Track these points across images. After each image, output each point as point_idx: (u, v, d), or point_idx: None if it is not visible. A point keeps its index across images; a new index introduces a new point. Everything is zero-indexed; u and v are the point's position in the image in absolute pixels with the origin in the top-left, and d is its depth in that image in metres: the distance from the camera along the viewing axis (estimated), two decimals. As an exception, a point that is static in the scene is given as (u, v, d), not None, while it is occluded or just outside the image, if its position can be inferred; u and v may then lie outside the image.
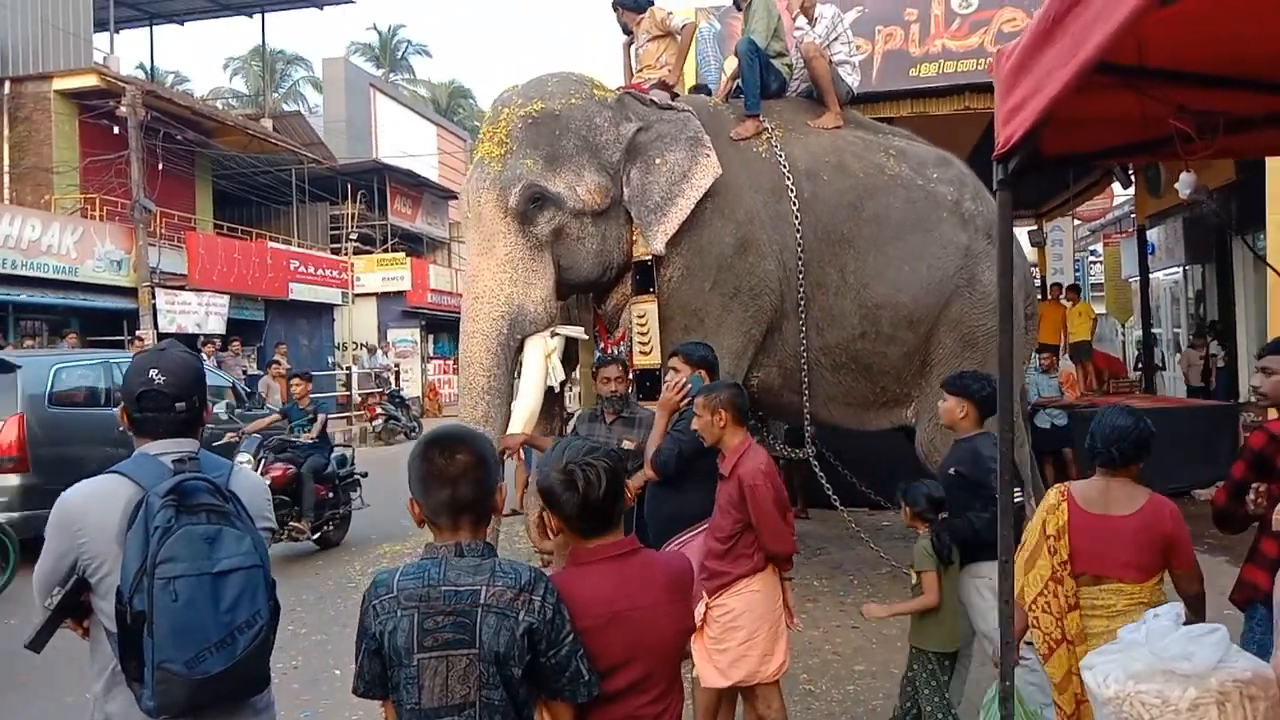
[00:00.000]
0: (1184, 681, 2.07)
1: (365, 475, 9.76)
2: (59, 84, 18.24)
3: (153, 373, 2.26)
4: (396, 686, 1.88)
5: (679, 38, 6.50)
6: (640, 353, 5.57)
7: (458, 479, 1.94)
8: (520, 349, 5.41)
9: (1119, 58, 1.70)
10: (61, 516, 2.15)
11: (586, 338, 6.09)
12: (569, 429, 5.47)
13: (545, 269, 5.43)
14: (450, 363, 28.66)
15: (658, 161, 5.60)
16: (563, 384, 5.93)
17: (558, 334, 5.59)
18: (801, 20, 6.57)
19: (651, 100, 5.91)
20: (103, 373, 9.19)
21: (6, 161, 18.09)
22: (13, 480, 7.82)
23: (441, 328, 30.15)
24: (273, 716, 2.29)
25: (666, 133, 5.69)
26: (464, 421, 5.13)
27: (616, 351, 5.79)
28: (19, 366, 8.32)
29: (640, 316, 5.63)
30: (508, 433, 5.22)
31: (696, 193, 5.52)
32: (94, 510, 2.13)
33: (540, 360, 5.42)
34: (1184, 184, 2.60)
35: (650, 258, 5.62)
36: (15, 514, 7.56)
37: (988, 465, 3.77)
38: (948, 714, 3.78)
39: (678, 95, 6.31)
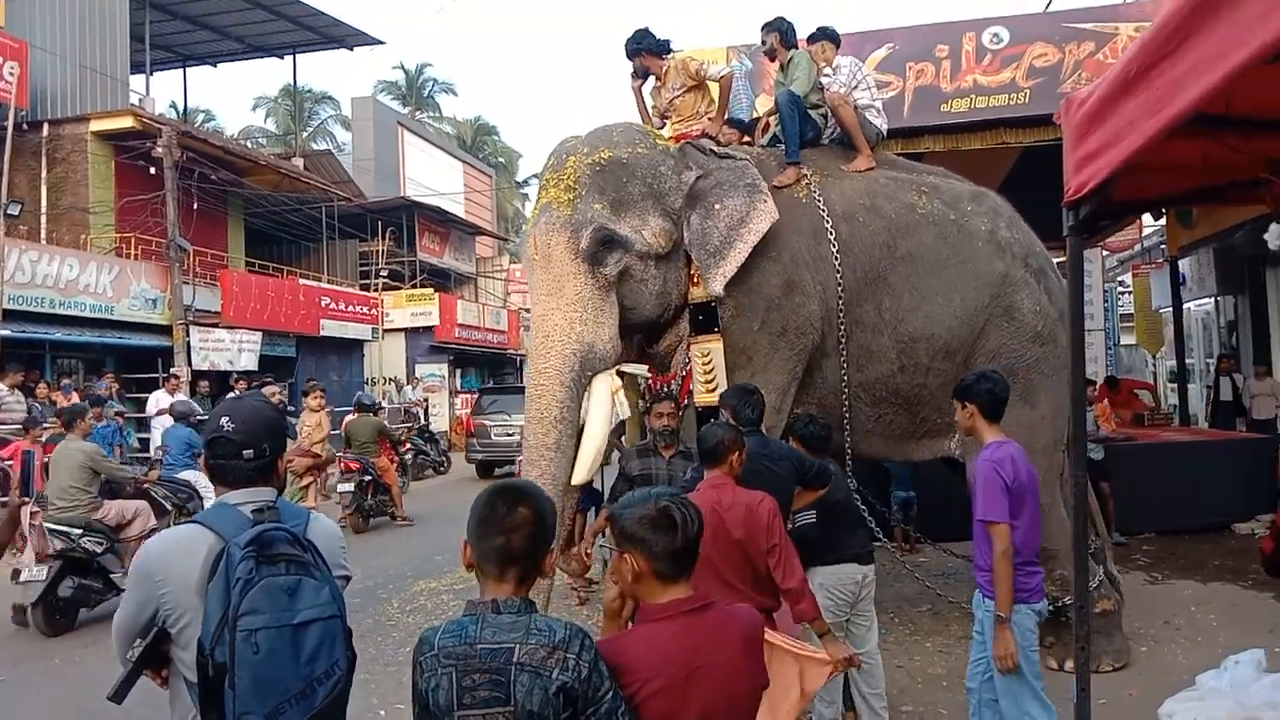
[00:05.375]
0: (1269, 732, 2.04)
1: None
2: (96, 126, 18.55)
3: (223, 420, 2.30)
4: None
5: (714, 86, 6.58)
6: (705, 390, 5.62)
7: (514, 530, 1.97)
8: (587, 387, 5.48)
9: (1207, 107, 1.70)
10: (143, 567, 2.18)
11: (649, 375, 6.19)
12: (616, 463, 5.61)
13: (612, 309, 5.54)
14: (477, 396, 28.73)
15: (717, 207, 5.70)
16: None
17: (623, 372, 5.72)
18: (827, 70, 6.64)
19: (711, 149, 6.02)
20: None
21: (44, 202, 18.37)
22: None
23: (469, 362, 30.27)
24: None
25: (725, 180, 5.80)
26: (534, 448, 5.25)
27: (666, 389, 5.90)
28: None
29: (705, 355, 5.70)
30: (575, 477, 5.33)
31: (754, 237, 5.61)
32: (175, 561, 2.15)
33: (607, 397, 5.52)
34: (1275, 235, 2.60)
35: (715, 298, 5.70)
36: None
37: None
38: None
39: (723, 145, 6.38)
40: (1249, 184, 2.10)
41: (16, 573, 7.49)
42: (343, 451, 12.81)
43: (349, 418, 13.39)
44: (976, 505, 3.84)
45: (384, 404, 17.98)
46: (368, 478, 12.31)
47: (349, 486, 12.10)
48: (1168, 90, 1.63)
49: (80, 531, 7.47)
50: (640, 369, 6.04)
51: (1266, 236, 2.55)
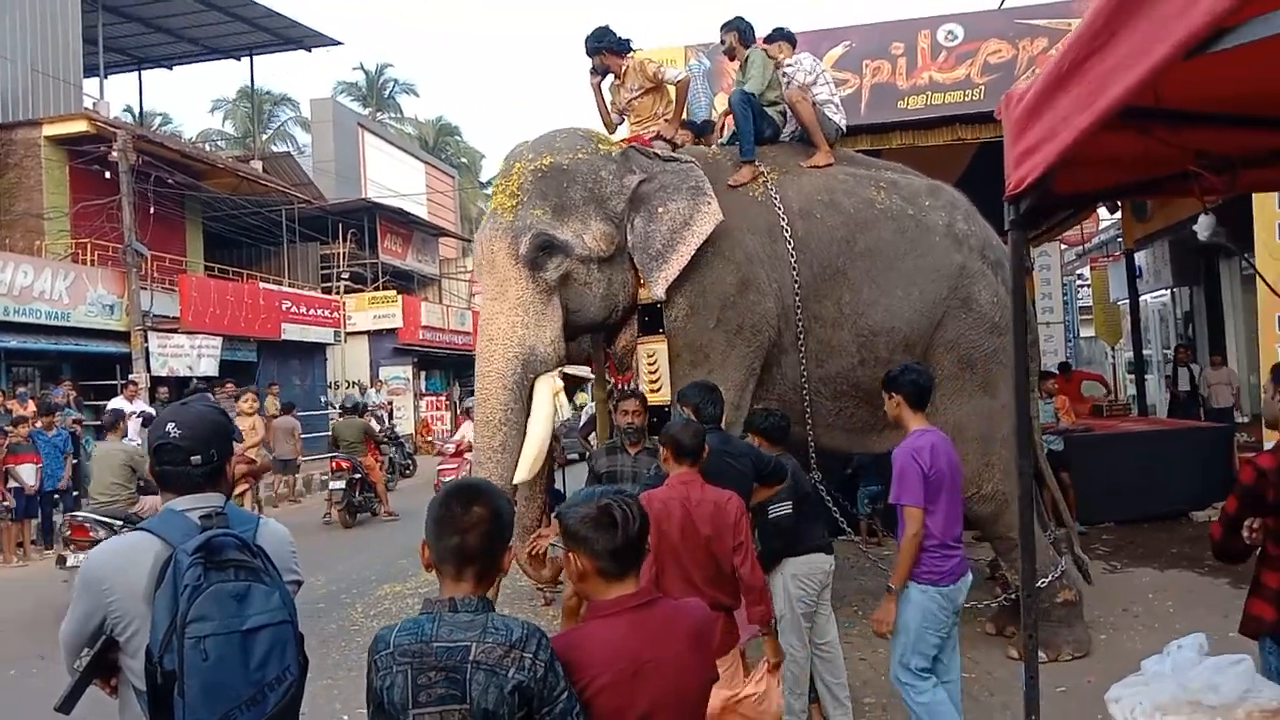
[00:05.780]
0: (1211, 713, 2.08)
1: None
2: (49, 130, 18.27)
3: (169, 426, 2.26)
4: None
5: (672, 89, 6.65)
6: (651, 390, 5.71)
7: (469, 529, 1.96)
8: (532, 387, 5.61)
9: (1135, 100, 1.74)
10: (89, 576, 2.14)
11: (592, 378, 6.37)
12: (590, 462, 5.76)
13: (554, 312, 5.65)
14: (443, 398, 28.61)
15: (660, 210, 5.78)
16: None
17: (565, 373, 5.86)
18: (789, 62, 6.68)
19: (655, 153, 6.09)
20: None
21: (-3, 208, 18.09)
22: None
23: (434, 364, 30.10)
24: None
25: (669, 183, 5.87)
26: (481, 450, 5.52)
27: (627, 387, 6.00)
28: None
29: (650, 356, 5.81)
30: (516, 476, 5.43)
31: (698, 239, 5.68)
32: (122, 569, 2.12)
33: (549, 399, 5.63)
34: (1203, 226, 2.64)
35: (658, 300, 5.79)
36: None
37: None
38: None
39: (679, 146, 6.42)
40: (1180, 176, 2.15)
41: (63, 559, 8.13)
42: (335, 451, 13.61)
43: (336, 419, 14.16)
44: (891, 490, 4.05)
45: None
46: (357, 476, 13.18)
47: (340, 484, 13.04)
48: (1098, 84, 1.67)
49: (121, 523, 7.86)
50: (583, 370, 6.26)
51: (1196, 228, 2.60)
